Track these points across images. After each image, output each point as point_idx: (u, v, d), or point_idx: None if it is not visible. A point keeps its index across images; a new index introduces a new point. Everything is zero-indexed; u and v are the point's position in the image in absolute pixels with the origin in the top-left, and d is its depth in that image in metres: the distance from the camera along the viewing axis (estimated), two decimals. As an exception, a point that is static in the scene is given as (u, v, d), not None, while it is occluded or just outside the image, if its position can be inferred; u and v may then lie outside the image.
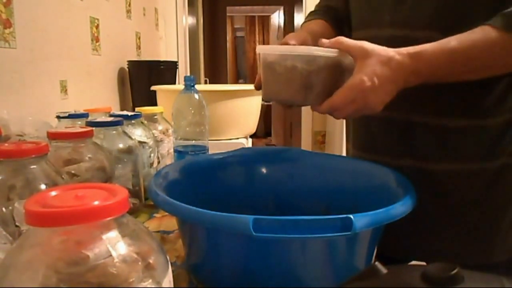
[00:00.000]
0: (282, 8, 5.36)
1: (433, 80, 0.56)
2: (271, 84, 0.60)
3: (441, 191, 0.66)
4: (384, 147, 0.70)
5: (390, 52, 0.54)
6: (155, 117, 0.96)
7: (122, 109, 1.69)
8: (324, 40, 0.57)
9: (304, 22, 0.83)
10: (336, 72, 0.59)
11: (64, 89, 1.20)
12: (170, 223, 0.73)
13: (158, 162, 0.93)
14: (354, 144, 0.79)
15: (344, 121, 0.85)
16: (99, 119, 0.74)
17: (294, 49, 0.61)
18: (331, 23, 0.79)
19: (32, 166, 0.45)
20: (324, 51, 0.57)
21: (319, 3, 0.86)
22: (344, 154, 1.03)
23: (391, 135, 0.69)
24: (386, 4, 0.66)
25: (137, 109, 0.93)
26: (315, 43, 0.60)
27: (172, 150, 0.91)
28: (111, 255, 0.27)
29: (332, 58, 0.57)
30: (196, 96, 0.82)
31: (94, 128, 0.63)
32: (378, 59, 0.53)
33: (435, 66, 0.54)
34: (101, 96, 1.52)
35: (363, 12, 0.72)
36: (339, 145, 2.49)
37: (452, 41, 0.54)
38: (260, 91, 0.65)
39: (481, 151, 0.64)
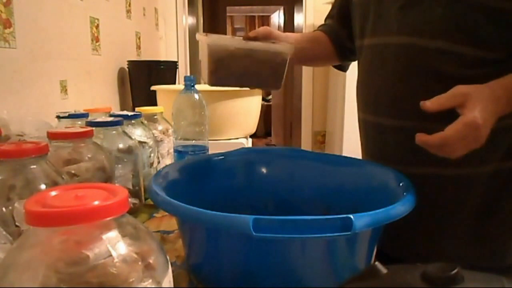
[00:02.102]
0: (282, 8, 5.36)
1: None
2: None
3: (456, 196, 0.66)
4: (397, 156, 0.69)
5: (487, 87, 0.55)
6: (155, 117, 0.96)
7: (122, 109, 1.69)
8: (427, 104, 0.56)
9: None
10: (248, 59, 0.63)
11: (64, 89, 1.20)
12: (170, 223, 0.73)
13: (158, 162, 0.93)
14: (366, 152, 0.78)
15: (345, 122, 0.88)
16: (99, 119, 0.74)
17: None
18: (327, 34, 0.88)
19: (32, 166, 0.45)
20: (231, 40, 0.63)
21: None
22: (344, 154, 1.03)
23: (404, 144, 0.67)
24: (393, 11, 0.66)
25: (137, 109, 0.94)
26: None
27: (172, 150, 0.91)
28: (111, 255, 0.27)
29: (235, 48, 0.63)
30: (196, 96, 0.82)
31: (94, 128, 0.63)
32: (484, 95, 0.53)
33: None
34: (101, 96, 1.52)
35: (371, 19, 0.72)
36: (339, 145, 2.49)
37: None
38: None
39: (494, 154, 0.63)
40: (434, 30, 0.61)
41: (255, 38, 0.72)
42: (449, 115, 0.62)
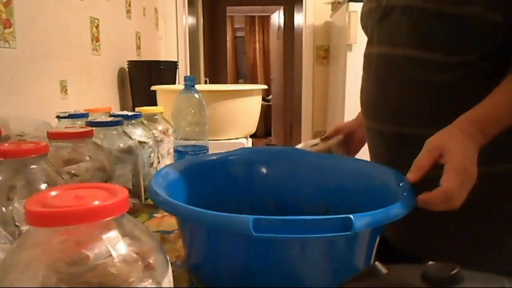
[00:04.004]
0: (282, 8, 5.36)
1: (497, 132, 0.56)
2: None
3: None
4: (384, 157, 0.73)
5: (457, 129, 0.54)
6: (155, 117, 0.96)
7: (122, 109, 1.69)
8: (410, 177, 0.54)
9: None
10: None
11: (64, 89, 1.20)
12: (170, 223, 0.73)
13: (158, 162, 0.93)
14: (369, 152, 0.82)
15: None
16: (99, 119, 0.74)
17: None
18: None
19: (32, 166, 0.45)
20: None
21: None
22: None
23: (387, 146, 0.71)
24: (374, 22, 0.70)
25: (137, 109, 0.93)
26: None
27: (172, 150, 0.91)
28: (111, 255, 0.27)
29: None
30: (196, 96, 0.82)
31: (94, 128, 0.63)
32: (458, 139, 0.53)
33: (497, 122, 0.55)
34: (101, 96, 1.52)
35: (365, 31, 0.77)
36: (339, 145, 2.48)
37: (499, 96, 0.56)
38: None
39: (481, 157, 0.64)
40: (402, 39, 0.64)
41: (330, 137, 0.84)
42: (426, 119, 0.64)
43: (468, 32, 0.59)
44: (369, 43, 0.74)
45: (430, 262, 0.27)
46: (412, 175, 0.53)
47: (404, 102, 0.66)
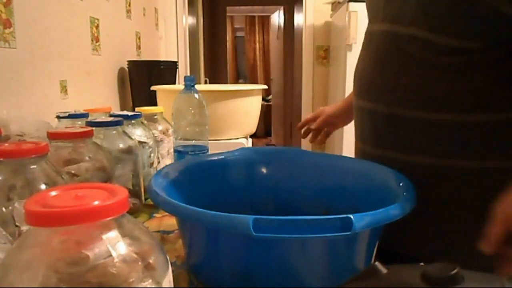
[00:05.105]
0: (282, 8, 5.36)
1: None
2: None
3: (424, 187, 0.66)
4: (372, 137, 0.71)
5: None
6: (155, 117, 0.96)
7: (122, 109, 1.69)
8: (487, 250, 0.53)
9: None
10: None
11: (64, 89, 1.20)
12: (170, 223, 0.73)
13: (158, 162, 0.93)
14: (355, 133, 0.81)
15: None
16: (99, 119, 0.74)
17: None
18: None
19: (32, 166, 0.45)
20: None
21: None
22: (344, 154, 1.03)
23: (377, 127, 0.70)
24: (380, 0, 0.69)
25: (137, 109, 0.93)
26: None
27: (172, 150, 0.91)
28: (111, 255, 0.27)
29: None
30: (196, 96, 0.82)
31: (94, 128, 0.63)
32: None
33: None
34: (101, 96, 1.52)
35: (368, 8, 0.76)
36: (339, 145, 2.49)
37: None
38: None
39: (463, 148, 0.63)
40: (408, 18, 0.63)
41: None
42: (420, 102, 0.64)
43: (476, 18, 0.57)
44: (372, 22, 0.73)
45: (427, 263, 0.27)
46: (488, 248, 0.52)
47: (400, 82, 0.65)
